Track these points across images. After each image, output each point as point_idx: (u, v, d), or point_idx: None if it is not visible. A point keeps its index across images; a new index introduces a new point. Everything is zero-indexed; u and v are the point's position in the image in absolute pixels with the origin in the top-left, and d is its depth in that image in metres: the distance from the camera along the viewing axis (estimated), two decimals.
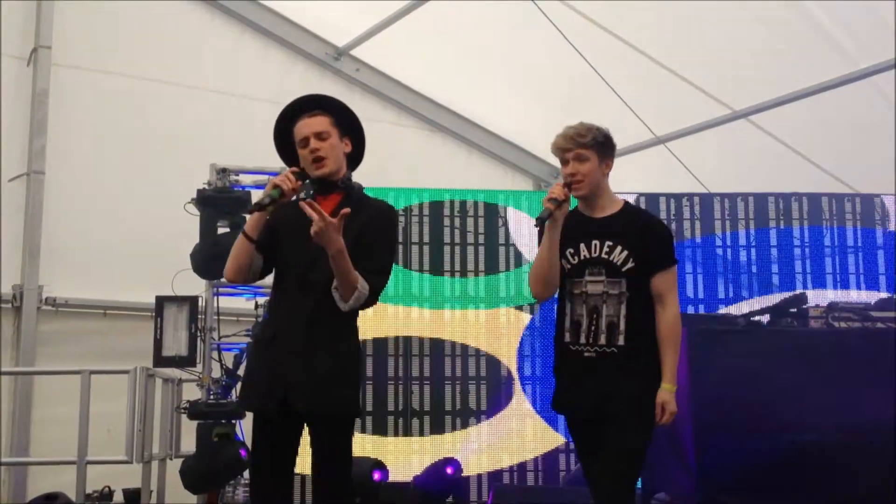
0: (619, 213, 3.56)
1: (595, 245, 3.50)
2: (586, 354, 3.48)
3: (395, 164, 7.69)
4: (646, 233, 3.51)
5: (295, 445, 3.26)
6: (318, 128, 3.27)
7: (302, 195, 3.33)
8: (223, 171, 5.65)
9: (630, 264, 3.45)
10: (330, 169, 3.25)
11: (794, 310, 5.38)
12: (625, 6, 6.50)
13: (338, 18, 7.51)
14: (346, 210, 3.08)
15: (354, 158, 3.42)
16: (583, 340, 3.49)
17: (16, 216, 6.48)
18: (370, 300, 3.21)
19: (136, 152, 6.78)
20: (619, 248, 3.47)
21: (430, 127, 8.32)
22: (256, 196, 5.69)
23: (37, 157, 6.53)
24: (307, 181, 3.28)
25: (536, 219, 3.39)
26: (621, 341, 3.45)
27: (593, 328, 3.48)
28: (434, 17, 7.02)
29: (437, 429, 6.32)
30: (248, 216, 3.26)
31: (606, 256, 3.47)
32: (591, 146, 3.48)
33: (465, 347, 6.43)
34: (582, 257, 3.51)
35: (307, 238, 3.07)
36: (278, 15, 7.58)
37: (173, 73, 7.06)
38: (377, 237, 3.27)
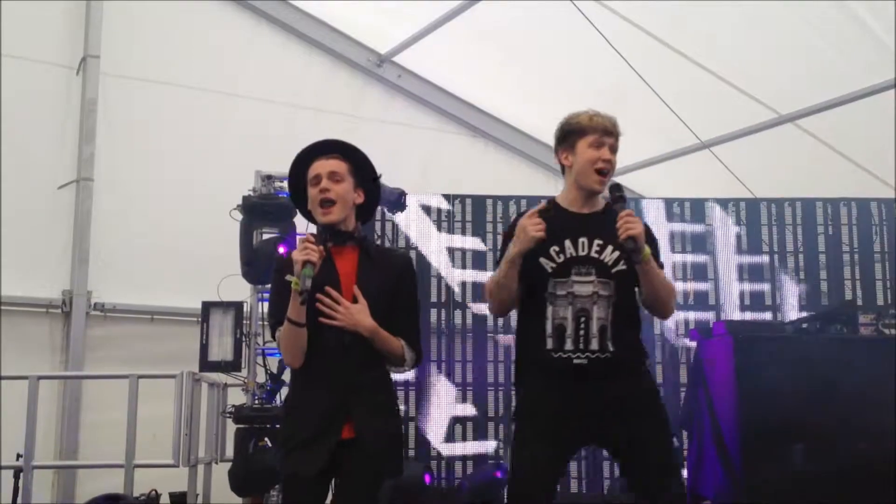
0: (605, 212, 3.31)
1: (583, 243, 3.24)
2: (576, 362, 3.17)
3: (437, 170, 7.70)
4: None
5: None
6: (333, 168, 3.17)
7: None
8: (268, 178, 5.70)
9: (621, 266, 3.22)
10: (336, 217, 3.14)
11: (844, 317, 5.31)
12: (668, 9, 6.45)
13: (380, 25, 7.54)
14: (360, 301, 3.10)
15: (365, 212, 3.33)
16: (569, 346, 3.18)
17: (65, 223, 6.59)
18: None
19: (183, 159, 6.87)
20: (609, 248, 3.23)
21: (472, 133, 8.33)
22: None
23: (85, 165, 6.64)
24: (322, 232, 3.19)
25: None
26: (611, 347, 3.18)
27: (582, 332, 3.17)
28: (476, 23, 7.02)
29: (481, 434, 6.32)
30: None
31: (596, 255, 3.23)
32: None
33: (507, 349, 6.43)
34: (568, 255, 3.23)
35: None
36: (321, 22, 7.63)
37: (218, 82, 7.14)
38: (412, 297, 3.29)
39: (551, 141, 9.20)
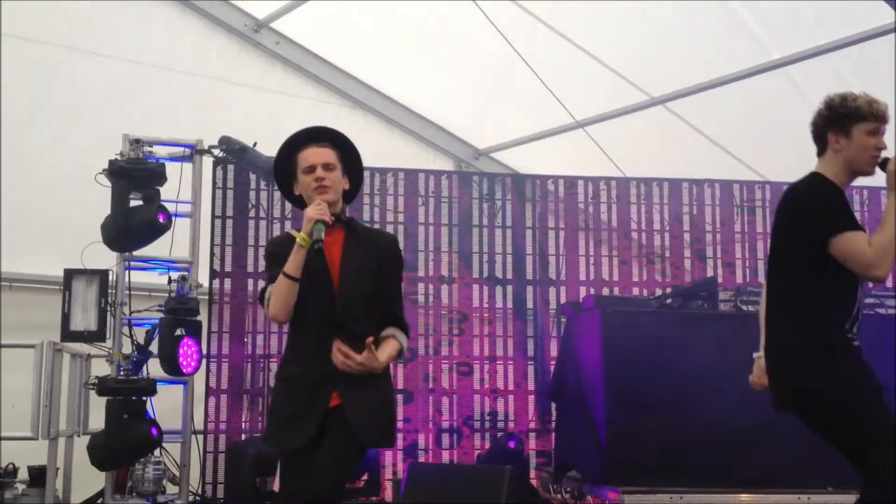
0: None
1: None
2: (855, 343, 3.20)
3: None
4: None
5: None
6: (327, 159, 3.34)
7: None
8: (137, 142, 5.51)
9: None
10: (330, 199, 3.30)
11: (704, 293, 5.52)
12: None
13: None
14: (370, 346, 3.19)
15: (349, 196, 3.50)
16: (854, 331, 3.19)
17: None
18: None
19: (45, 120, 6.56)
20: None
21: (351, 104, 8.24)
22: (172, 168, 5.59)
23: None
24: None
25: None
26: None
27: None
28: None
29: None
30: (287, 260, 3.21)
31: None
32: None
33: None
34: None
35: (330, 283, 3.24)
36: None
37: (85, 40, 6.80)
38: (396, 276, 3.45)
39: (430, 116, 9.15)
